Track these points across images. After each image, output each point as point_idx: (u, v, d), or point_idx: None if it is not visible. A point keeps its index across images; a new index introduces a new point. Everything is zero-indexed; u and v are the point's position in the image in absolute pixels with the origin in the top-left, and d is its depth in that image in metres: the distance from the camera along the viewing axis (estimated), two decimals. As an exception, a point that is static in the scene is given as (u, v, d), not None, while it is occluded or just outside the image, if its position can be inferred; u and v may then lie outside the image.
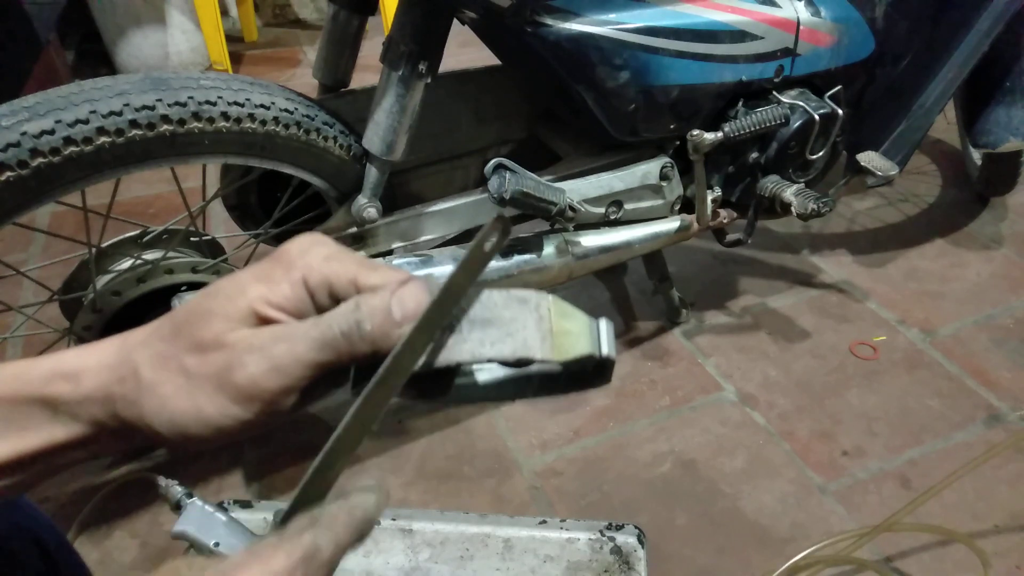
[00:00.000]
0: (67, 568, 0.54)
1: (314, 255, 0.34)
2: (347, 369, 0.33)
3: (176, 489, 0.81)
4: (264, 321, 0.33)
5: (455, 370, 0.36)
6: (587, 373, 0.37)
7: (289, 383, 0.32)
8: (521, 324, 0.33)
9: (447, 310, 0.32)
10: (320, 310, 0.34)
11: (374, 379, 0.30)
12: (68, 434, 0.34)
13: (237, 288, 0.33)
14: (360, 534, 0.31)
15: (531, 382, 0.37)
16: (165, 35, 2.41)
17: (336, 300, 0.34)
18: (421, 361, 0.32)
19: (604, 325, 0.36)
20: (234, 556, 0.29)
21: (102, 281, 0.98)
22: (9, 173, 0.76)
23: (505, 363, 0.34)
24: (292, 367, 0.32)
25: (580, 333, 0.35)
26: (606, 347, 0.35)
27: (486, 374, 0.36)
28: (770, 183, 1.21)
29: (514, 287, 0.35)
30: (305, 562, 0.29)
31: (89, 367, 0.34)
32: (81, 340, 1.00)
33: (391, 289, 0.33)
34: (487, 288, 0.34)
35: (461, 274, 0.32)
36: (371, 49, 1.13)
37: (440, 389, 0.36)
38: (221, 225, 1.64)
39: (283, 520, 0.32)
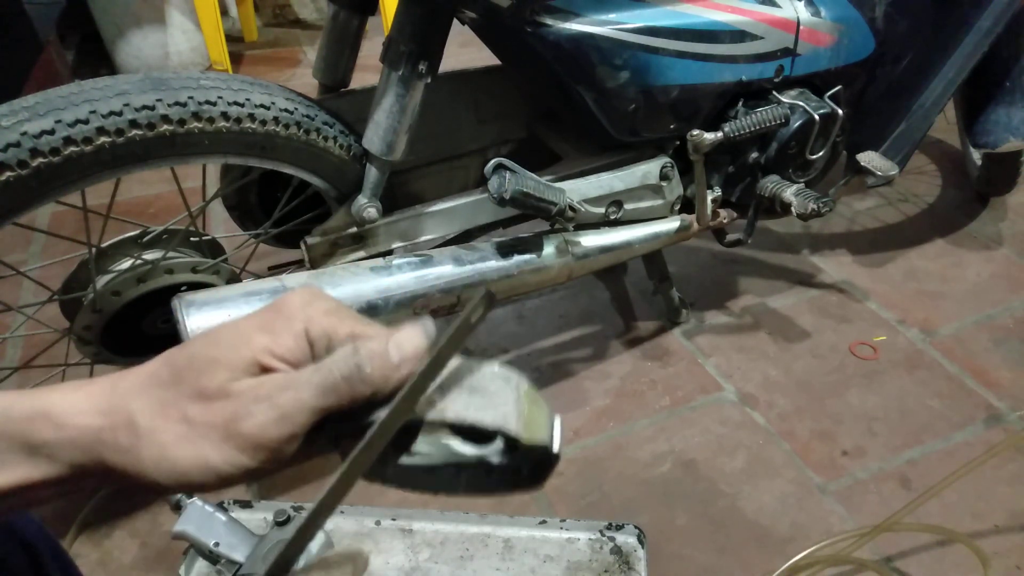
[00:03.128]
0: (59, 574, 0.53)
1: (315, 308, 0.35)
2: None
3: (176, 489, 0.81)
4: (265, 371, 0.34)
5: (401, 444, 0.37)
6: (523, 473, 0.38)
7: (294, 430, 0.33)
8: (503, 399, 0.36)
9: (432, 377, 0.34)
10: (319, 356, 0.35)
11: (363, 442, 0.32)
12: (44, 474, 0.33)
13: (241, 338, 0.34)
14: None
15: (468, 475, 0.39)
16: (165, 35, 2.40)
17: (336, 344, 0.35)
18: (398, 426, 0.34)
19: (558, 423, 0.38)
20: None
21: (102, 281, 0.98)
22: (9, 173, 0.76)
23: (480, 433, 0.35)
24: (298, 414, 0.32)
25: (543, 424, 0.37)
26: (557, 444, 0.37)
27: (423, 458, 0.38)
28: (770, 183, 1.21)
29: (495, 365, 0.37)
30: None
31: (77, 410, 0.33)
32: (81, 340, 1.00)
33: (388, 333, 0.34)
34: (478, 361, 0.37)
35: (448, 345, 0.34)
36: (371, 49, 1.13)
37: (382, 460, 0.37)
38: (221, 225, 1.64)
39: (277, 566, 0.33)
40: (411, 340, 0.34)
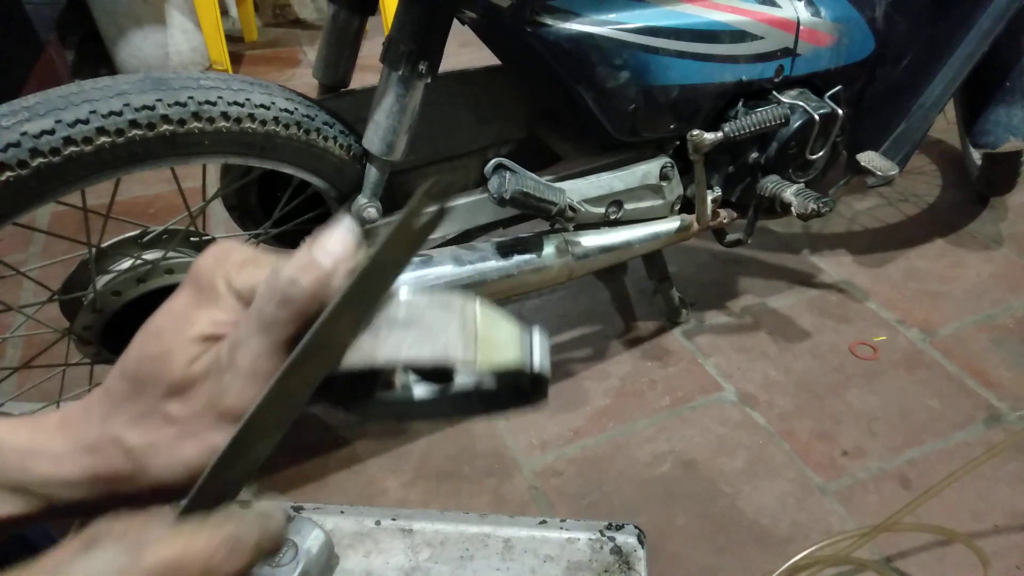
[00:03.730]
0: None
1: (231, 264, 0.33)
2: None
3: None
4: (213, 339, 0.32)
5: (375, 378, 0.35)
6: (522, 388, 0.35)
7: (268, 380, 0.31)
8: (443, 327, 0.31)
9: (375, 287, 0.30)
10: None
11: (291, 357, 0.28)
12: (35, 508, 0.32)
13: (182, 321, 0.32)
14: (270, 545, 0.30)
15: (463, 399, 0.36)
16: (165, 35, 2.41)
17: None
18: (345, 349, 0.31)
19: (537, 336, 0.34)
20: (154, 530, 0.28)
21: (102, 281, 0.98)
22: (9, 173, 0.76)
23: (423, 370, 0.32)
24: (260, 364, 0.30)
25: (508, 343, 0.33)
26: (537, 360, 0.33)
27: (417, 390, 0.35)
28: (770, 183, 1.21)
29: (450, 290, 0.34)
30: (226, 547, 0.28)
31: (65, 453, 0.32)
32: (81, 340, 1.00)
33: (306, 247, 0.31)
34: (410, 291, 0.33)
35: (388, 247, 0.29)
36: (371, 49, 1.13)
37: (359, 398, 0.35)
38: (221, 225, 1.64)
39: (188, 506, 0.30)
40: (336, 240, 0.31)
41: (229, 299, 0.32)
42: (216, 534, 0.28)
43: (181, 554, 0.27)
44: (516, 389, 0.35)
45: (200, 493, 0.29)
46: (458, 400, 0.36)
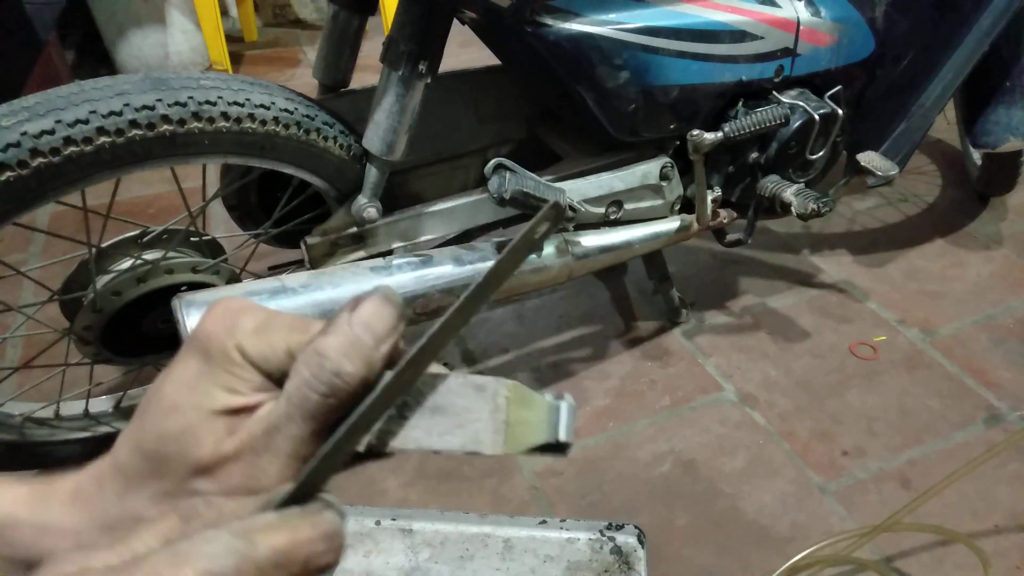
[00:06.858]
0: None
1: (242, 331, 0.31)
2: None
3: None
4: (236, 412, 0.31)
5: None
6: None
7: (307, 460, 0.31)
8: (475, 415, 0.32)
9: (413, 376, 0.31)
10: (269, 373, 0.32)
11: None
12: None
13: (199, 394, 0.31)
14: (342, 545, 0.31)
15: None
16: (165, 35, 2.41)
17: (277, 362, 0.32)
18: (374, 426, 0.31)
19: (565, 410, 0.34)
20: (256, 519, 0.28)
21: (102, 281, 0.98)
22: (9, 173, 0.76)
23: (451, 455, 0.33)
24: (301, 448, 0.30)
25: (539, 422, 0.34)
26: (564, 433, 0.34)
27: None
28: (770, 183, 1.21)
29: (475, 375, 0.34)
30: (326, 540, 0.29)
31: (82, 529, 0.31)
32: (81, 340, 1.00)
33: (345, 320, 0.30)
34: (443, 374, 0.33)
35: (509, 259, 0.31)
36: (371, 49, 1.13)
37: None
38: (221, 225, 1.63)
39: (292, 498, 0.30)
40: (378, 316, 0.30)
41: (246, 369, 0.31)
42: (318, 526, 0.28)
43: (290, 544, 0.27)
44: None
45: (303, 487, 0.29)
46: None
